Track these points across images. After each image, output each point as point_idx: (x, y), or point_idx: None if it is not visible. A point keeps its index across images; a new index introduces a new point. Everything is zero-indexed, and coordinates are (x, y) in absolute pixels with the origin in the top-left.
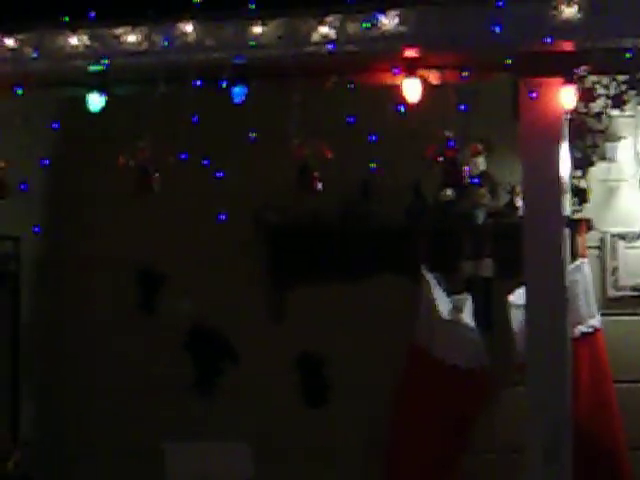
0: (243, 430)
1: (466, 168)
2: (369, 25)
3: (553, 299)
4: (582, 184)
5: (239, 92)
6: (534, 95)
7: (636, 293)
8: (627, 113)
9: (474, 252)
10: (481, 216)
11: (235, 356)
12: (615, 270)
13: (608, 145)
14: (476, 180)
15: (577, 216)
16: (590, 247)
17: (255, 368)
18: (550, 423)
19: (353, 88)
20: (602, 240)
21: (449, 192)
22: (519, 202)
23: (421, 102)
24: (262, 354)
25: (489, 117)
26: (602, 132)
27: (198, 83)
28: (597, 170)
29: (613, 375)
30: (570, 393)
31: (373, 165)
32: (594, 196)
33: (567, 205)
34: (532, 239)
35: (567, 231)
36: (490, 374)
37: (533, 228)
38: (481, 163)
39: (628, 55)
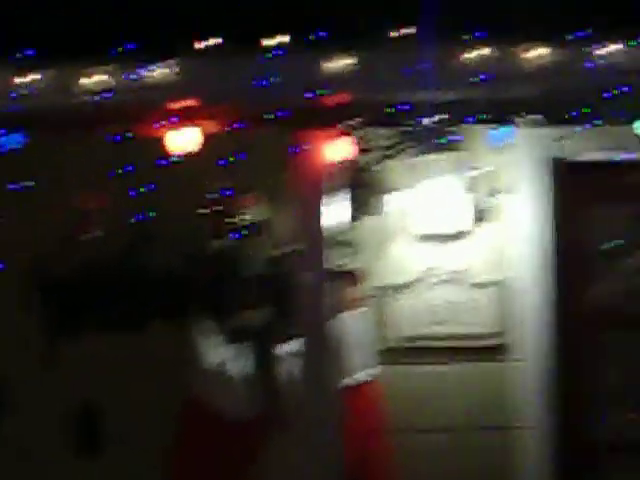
0: None
1: (241, 218)
2: (145, 75)
3: (322, 349)
4: (354, 235)
5: (11, 140)
6: (306, 147)
7: (410, 344)
8: (402, 164)
9: (250, 301)
10: (258, 265)
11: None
12: (389, 321)
13: (383, 196)
14: (253, 229)
15: (350, 267)
16: (365, 298)
17: (29, 418)
18: (321, 471)
19: (130, 137)
20: (378, 291)
21: (225, 241)
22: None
23: (197, 152)
24: (36, 404)
25: (266, 167)
26: (374, 184)
27: None
28: (371, 221)
29: (389, 424)
30: (342, 442)
31: (151, 214)
32: (368, 247)
33: (339, 256)
34: (301, 290)
35: (340, 282)
36: (262, 423)
37: (304, 277)
38: (258, 213)
39: (392, 110)
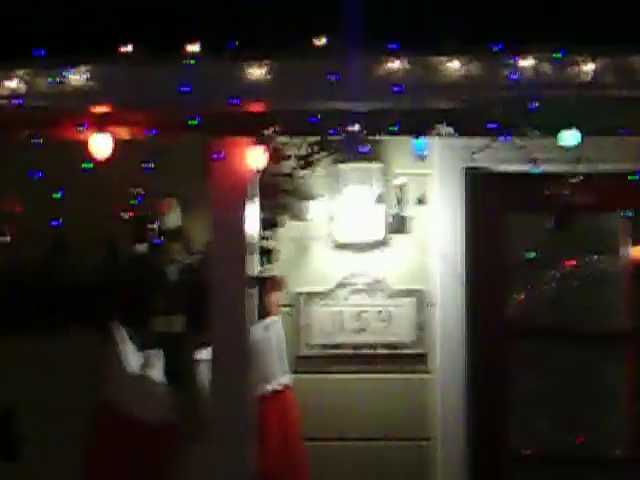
0: None
1: (157, 224)
2: (58, 80)
3: (237, 356)
4: (271, 243)
5: None
6: (222, 155)
7: (327, 352)
8: (320, 173)
9: (166, 308)
10: (174, 272)
11: None
12: (306, 328)
13: (301, 204)
14: (171, 236)
15: (268, 274)
16: (283, 305)
17: None
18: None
19: (43, 143)
20: (294, 298)
21: (139, 248)
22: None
23: (112, 158)
24: None
25: (182, 174)
26: (292, 192)
27: None
28: (290, 229)
29: (302, 433)
30: (253, 450)
31: (63, 220)
32: (287, 254)
33: (256, 264)
34: (218, 296)
35: (257, 289)
36: (178, 430)
37: (219, 285)
38: (175, 219)
39: (310, 119)
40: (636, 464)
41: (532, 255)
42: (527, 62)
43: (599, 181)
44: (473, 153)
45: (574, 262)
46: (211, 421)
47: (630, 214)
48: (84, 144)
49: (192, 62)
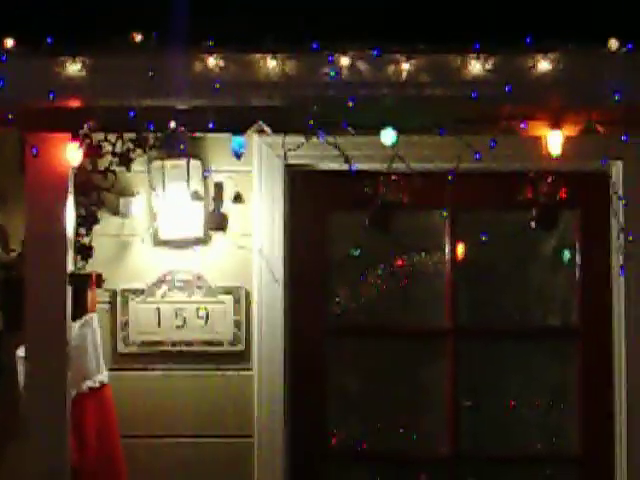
0: None
1: None
2: None
3: (53, 354)
4: (88, 240)
5: None
6: (36, 150)
7: (145, 349)
8: (139, 169)
9: None
10: None
11: None
12: (125, 325)
13: (121, 200)
14: None
15: (85, 271)
16: (101, 302)
17: None
18: (46, 476)
19: None
20: (113, 295)
21: None
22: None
23: None
24: None
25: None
26: (109, 189)
27: None
28: (109, 225)
29: (120, 430)
30: (70, 447)
31: None
32: (106, 251)
33: (71, 261)
34: (34, 293)
35: (73, 286)
36: None
37: (35, 282)
38: None
39: (128, 115)
40: (453, 461)
41: (354, 253)
42: (345, 61)
43: (415, 180)
44: (289, 150)
45: (396, 260)
46: (27, 418)
47: (446, 213)
48: None
49: (6, 57)
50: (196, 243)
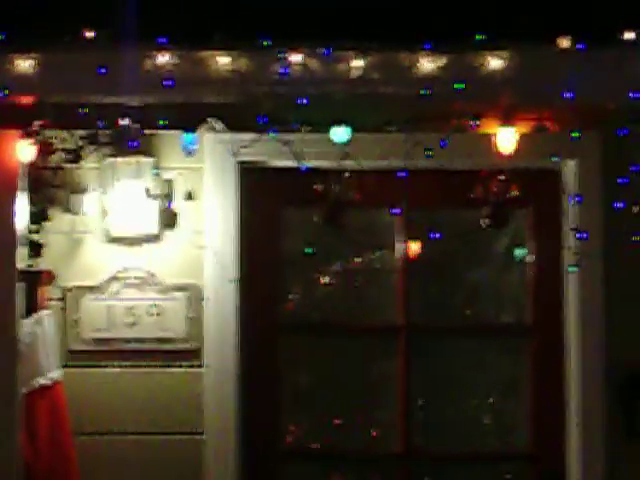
0: None
1: None
2: None
3: (4, 351)
4: (39, 237)
5: None
6: None
7: (98, 346)
8: (91, 166)
9: None
10: None
11: None
12: (77, 323)
13: (71, 197)
14: None
15: (37, 268)
16: (53, 299)
17: None
18: None
19: None
20: (64, 292)
21: None
22: None
23: None
24: None
25: None
26: (61, 185)
27: None
28: (61, 222)
29: (73, 427)
30: (21, 446)
31: None
32: (58, 248)
33: (22, 258)
34: None
35: (25, 283)
36: None
37: None
38: None
39: (78, 112)
40: (407, 459)
41: (307, 251)
42: (297, 57)
43: (366, 177)
44: (241, 147)
45: (349, 257)
46: None
47: (398, 211)
48: None
49: None
50: (149, 240)
